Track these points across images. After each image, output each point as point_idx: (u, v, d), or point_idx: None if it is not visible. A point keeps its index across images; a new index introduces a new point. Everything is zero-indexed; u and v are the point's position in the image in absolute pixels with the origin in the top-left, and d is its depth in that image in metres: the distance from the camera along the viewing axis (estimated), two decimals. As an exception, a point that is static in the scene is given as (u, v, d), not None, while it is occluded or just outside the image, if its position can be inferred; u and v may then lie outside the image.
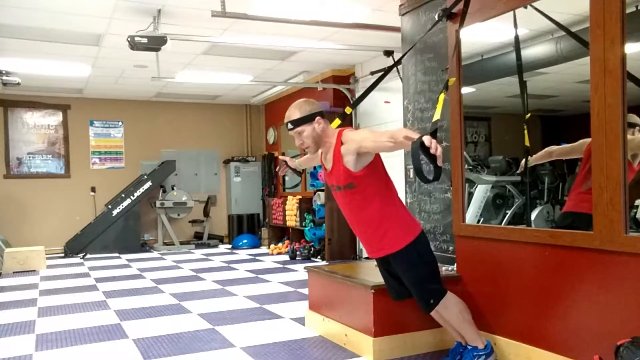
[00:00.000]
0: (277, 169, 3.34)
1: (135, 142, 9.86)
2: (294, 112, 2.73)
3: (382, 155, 2.77)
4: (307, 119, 2.70)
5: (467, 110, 3.37)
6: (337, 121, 3.10)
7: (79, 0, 4.82)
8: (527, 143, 3.51)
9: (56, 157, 9.43)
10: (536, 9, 3.02)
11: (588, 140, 3.20)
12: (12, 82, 7.18)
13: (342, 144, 2.67)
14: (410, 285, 2.81)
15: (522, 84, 3.53)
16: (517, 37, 3.41)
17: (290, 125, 2.73)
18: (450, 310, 2.82)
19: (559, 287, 2.68)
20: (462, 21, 3.09)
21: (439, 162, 2.18)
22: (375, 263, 3.81)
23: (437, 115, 2.52)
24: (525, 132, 3.47)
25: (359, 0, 4.91)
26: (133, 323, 4.15)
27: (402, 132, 2.40)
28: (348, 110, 3.23)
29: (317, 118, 2.71)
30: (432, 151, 2.13)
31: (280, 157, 3.30)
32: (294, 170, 3.30)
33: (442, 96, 2.73)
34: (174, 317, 4.31)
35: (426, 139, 2.16)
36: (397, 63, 3.69)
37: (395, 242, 2.73)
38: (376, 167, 2.72)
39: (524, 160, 3.69)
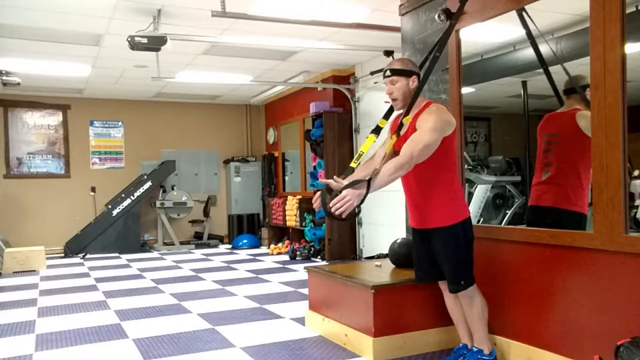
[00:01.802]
0: (313, 202, 2.67)
1: (135, 142, 9.85)
2: (397, 63, 2.86)
3: None
4: (406, 73, 2.81)
5: (467, 110, 3.37)
6: (372, 137, 2.85)
7: (79, 0, 4.82)
8: None
9: (56, 157, 9.43)
10: (525, 12, 3.03)
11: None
12: (12, 82, 7.18)
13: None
14: (446, 262, 2.80)
15: (550, 79, 3.44)
16: (529, 34, 3.33)
17: (388, 72, 2.83)
18: (474, 302, 2.81)
19: (559, 287, 2.68)
20: (457, 17, 3.10)
21: (341, 213, 2.37)
22: (376, 263, 3.83)
23: (353, 163, 2.53)
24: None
25: (359, 0, 4.91)
26: (133, 323, 4.16)
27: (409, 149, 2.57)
28: (382, 123, 2.95)
29: (414, 77, 2.81)
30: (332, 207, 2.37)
31: (322, 180, 2.61)
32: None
33: (371, 137, 2.78)
34: (174, 317, 4.31)
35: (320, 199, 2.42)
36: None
37: (447, 217, 2.76)
38: (449, 141, 2.74)
39: None
